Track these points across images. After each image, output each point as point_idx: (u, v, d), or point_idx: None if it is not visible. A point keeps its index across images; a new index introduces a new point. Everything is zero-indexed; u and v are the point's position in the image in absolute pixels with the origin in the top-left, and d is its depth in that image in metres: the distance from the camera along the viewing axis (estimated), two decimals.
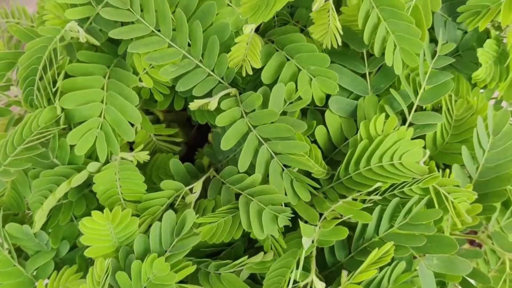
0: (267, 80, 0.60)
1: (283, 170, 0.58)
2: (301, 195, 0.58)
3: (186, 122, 0.82)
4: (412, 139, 0.58)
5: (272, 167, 0.58)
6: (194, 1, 0.57)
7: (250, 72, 0.60)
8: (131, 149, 0.69)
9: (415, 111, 0.60)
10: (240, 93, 0.62)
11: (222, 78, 0.61)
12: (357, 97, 0.61)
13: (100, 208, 0.60)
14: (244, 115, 0.58)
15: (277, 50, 0.61)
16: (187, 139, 0.85)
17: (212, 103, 0.59)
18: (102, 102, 0.57)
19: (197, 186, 0.60)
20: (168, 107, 0.68)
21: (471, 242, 0.85)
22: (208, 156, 0.68)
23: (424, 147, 0.62)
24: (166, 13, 0.56)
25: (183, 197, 0.61)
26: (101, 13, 0.55)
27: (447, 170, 0.60)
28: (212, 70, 0.60)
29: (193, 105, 0.60)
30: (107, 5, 0.57)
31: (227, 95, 0.60)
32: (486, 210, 0.61)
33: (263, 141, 0.57)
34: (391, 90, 0.59)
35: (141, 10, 0.56)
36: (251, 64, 0.60)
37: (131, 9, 0.56)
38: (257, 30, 0.65)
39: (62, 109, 0.57)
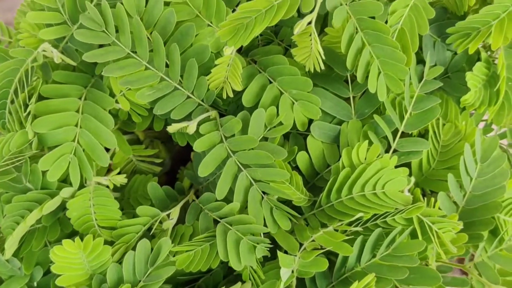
0: (248, 103, 0.59)
1: (262, 198, 0.56)
2: (281, 224, 0.56)
3: (169, 137, 0.81)
4: (396, 166, 0.56)
5: (251, 195, 0.56)
6: (172, 22, 0.55)
7: (231, 95, 0.59)
8: (111, 169, 0.67)
9: (400, 136, 0.58)
10: (221, 115, 0.60)
11: (202, 100, 0.59)
12: (340, 122, 0.59)
13: (76, 233, 0.59)
14: (223, 139, 0.56)
15: (260, 72, 0.59)
16: (172, 154, 0.83)
17: (191, 127, 0.57)
18: (76, 125, 0.55)
19: (174, 212, 0.59)
20: (149, 125, 0.66)
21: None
22: (189, 178, 0.66)
23: (410, 173, 0.60)
24: (142, 35, 0.54)
25: (161, 222, 0.59)
26: (75, 35, 0.53)
27: (432, 199, 0.58)
28: (192, 93, 0.58)
29: (171, 129, 0.58)
30: (81, 26, 0.55)
31: (207, 118, 0.58)
32: (473, 238, 0.60)
33: (242, 168, 0.55)
34: (375, 116, 0.57)
35: (117, 31, 0.54)
36: (232, 86, 0.58)
37: (106, 31, 0.54)
38: (240, 48, 0.63)
39: (35, 133, 0.55)
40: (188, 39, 0.56)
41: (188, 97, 0.58)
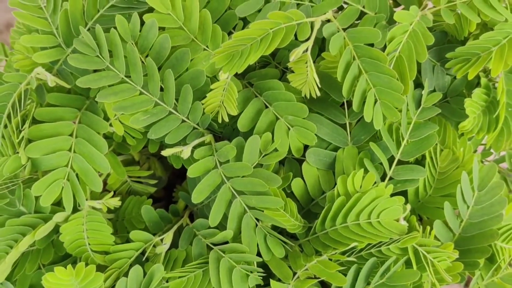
0: (244, 128, 0.58)
1: (256, 225, 0.56)
2: (275, 251, 0.56)
3: None
4: (392, 194, 0.56)
5: (245, 222, 0.55)
6: (167, 48, 0.54)
7: (226, 119, 0.58)
8: (106, 189, 0.67)
9: (397, 164, 0.58)
10: (216, 138, 0.60)
11: (197, 124, 0.58)
12: (336, 148, 0.58)
13: (69, 255, 0.59)
14: (218, 165, 0.56)
15: (256, 96, 0.59)
16: (170, 169, 0.83)
17: (185, 151, 0.56)
18: (69, 150, 0.55)
19: (168, 238, 0.58)
20: (144, 145, 0.66)
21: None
22: (184, 199, 0.66)
23: (406, 200, 0.60)
24: (137, 60, 0.53)
25: (155, 246, 0.59)
26: (69, 60, 0.53)
27: (428, 228, 0.58)
28: (187, 117, 0.57)
29: (166, 153, 0.57)
30: (75, 50, 0.54)
31: (202, 143, 0.58)
32: (469, 266, 0.59)
33: (236, 194, 0.55)
34: (371, 143, 0.56)
35: (110, 57, 0.54)
36: (228, 111, 0.58)
37: (100, 56, 0.54)
38: None
39: (28, 158, 0.54)
40: (183, 64, 0.55)
41: (183, 121, 0.58)
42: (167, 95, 0.55)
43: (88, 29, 0.56)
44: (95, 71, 0.55)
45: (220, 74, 0.55)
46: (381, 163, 0.58)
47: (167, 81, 0.54)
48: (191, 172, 0.56)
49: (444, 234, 0.59)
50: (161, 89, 0.56)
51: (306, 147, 0.59)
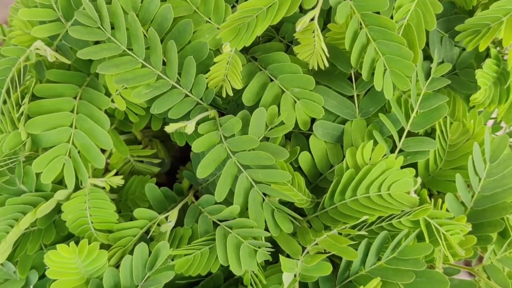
0: (249, 102, 0.57)
1: (263, 200, 0.54)
2: (283, 227, 0.54)
3: (169, 136, 0.79)
4: (402, 167, 0.54)
5: (252, 197, 0.54)
6: (169, 19, 0.53)
7: (231, 94, 0.57)
8: (108, 169, 0.65)
9: (406, 136, 0.56)
10: (220, 114, 0.58)
11: (201, 99, 0.57)
12: (344, 121, 0.57)
13: (72, 235, 0.58)
14: (223, 139, 0.54)
15: (260, 69, 0.57)
16: (172, 153, 0.81)
17: (189, 126, 0.55)
18: (71, 126, 0.54)
19: (173, 215, 0.57)
20: (146, 124, 0.64)
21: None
22: (188, 179, 0.64)
23: (416, 174, 0.58)
24: (138, 32, 0.52)
25: (159, 224, 0.58)
26: (70, 32, 0.52)
27: (439, 200, 0.56)
28: (190, 91, 0.56)
29: (169, 129, 0.56)
30: (76, 22, 0.53)
31: (206, 118, 0.56)
32: (482, 240, 0.58)
33: (242, 169, 0.54)
34: (380, 115, 0.55)
35: (112, 28, 0.52)
36: (232, 85, 0.56)
37: (101, 27, 0.52)
38: None
39: (28, 134, 0.53)
40: (186, 35, 0.54)
41: (186, 95, 0.56)
42: (170, 68, 0.54)
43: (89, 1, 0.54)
44: (96, 43, 0.54)
45: (224, 47, 0.54)
46: (390, 136, 0.56)
47: (170, 52, 0.53)
48: (196, 147, 0.54)
49: (456, 208, 0.57)
50: (164, 63, 0.54)
51: (312, 121, 0.57)
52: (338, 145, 0.57)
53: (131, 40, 0.53)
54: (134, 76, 0.53)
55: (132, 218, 0.57)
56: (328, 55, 0.52)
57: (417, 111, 0.56)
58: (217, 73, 0.56)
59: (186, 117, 0.57)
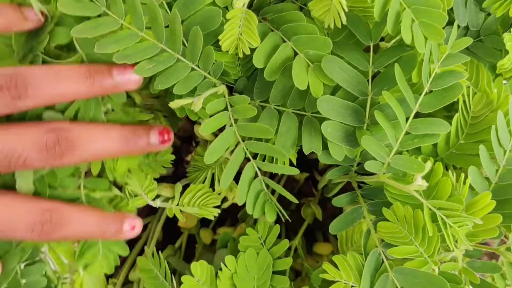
0: (259, 63, 0.52)
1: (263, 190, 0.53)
2: (267, 215, 0.54)
3: (173, 111, 0.75)
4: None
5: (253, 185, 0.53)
6: None
7: (248, 52, 0.51)
8: None
9: (414, 117, 0.51)
10: (230, 90, 0.54)
11: (209, 73, 0.53)
12: (353, 98, 0.52)
13: None
14: (233, 122, 0.51)
15: (272, 30, 0.53)
16: (176, 131, 0.78)
17: (196, 104, 0.51)
18: None
19: None
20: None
21: None
22: None
23: (435, 149, 0.55)
24: (135, 2, 0.47)
25: None
26: (58, 7, 0.47)
27: (462, 175, 0.53)
28: (197, 65, 0.52)
29: (174, 105, 0.52)
30: None
31: (214, 95, 0.53)
32: (508, 218, 0.55)
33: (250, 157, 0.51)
34: (384, 92, 0.49)
35: (106, 1, 0.48)
36: (249, 42, 0.51)
37: (94, 0, 0.48)
38: (250, 6, 0.56)
39: None
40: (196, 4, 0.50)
41: (193, 69, 0.52)
42: (173, 40, 0.50)
43: None
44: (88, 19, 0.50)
45: (235, 2, 0.49)
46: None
47: (174, 23, 0.49)
48: (204, 129, 0.51)
49: (480, 183, 0.54)
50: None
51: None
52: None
53: (129, 12, 0.48)
54: (136, 51, 0.49)
55: None
56: (346, 9, 0.47)
57: (429, 90, 0.51)
58: (232, 32, 0.50)
59: (192, 92, 0.53)
